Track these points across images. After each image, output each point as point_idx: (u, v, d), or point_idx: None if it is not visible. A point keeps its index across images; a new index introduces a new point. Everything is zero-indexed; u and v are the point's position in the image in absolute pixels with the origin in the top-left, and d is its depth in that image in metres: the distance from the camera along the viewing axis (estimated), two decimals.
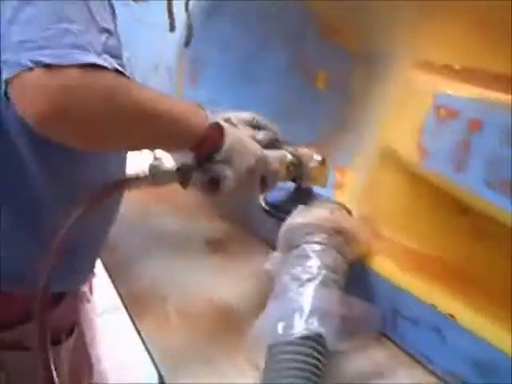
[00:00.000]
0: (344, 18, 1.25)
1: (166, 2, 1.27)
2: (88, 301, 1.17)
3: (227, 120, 1.02)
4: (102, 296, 1.25)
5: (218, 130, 0.91)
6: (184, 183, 0.94)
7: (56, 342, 1.00)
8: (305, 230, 0.97)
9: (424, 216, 0.97)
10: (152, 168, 0.92)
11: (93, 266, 1.09)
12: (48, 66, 0.71)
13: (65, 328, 1.05)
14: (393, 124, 1.05)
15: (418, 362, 0.92)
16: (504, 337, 0.79)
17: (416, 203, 0.98)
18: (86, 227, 0.89)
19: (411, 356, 0.93)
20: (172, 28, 1.19)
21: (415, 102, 0.98)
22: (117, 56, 0.80)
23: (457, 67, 0.94)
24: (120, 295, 1.11)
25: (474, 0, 0.88)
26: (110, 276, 1.18)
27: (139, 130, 0.83)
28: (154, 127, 0.84)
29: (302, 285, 0.90)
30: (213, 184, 0.93)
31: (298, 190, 1.11)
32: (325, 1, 1.24)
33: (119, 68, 0.79)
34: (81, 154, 0.88)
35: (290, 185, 1.10)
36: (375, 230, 1.02)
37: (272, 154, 1.01)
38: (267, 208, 1.10)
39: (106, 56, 0.77)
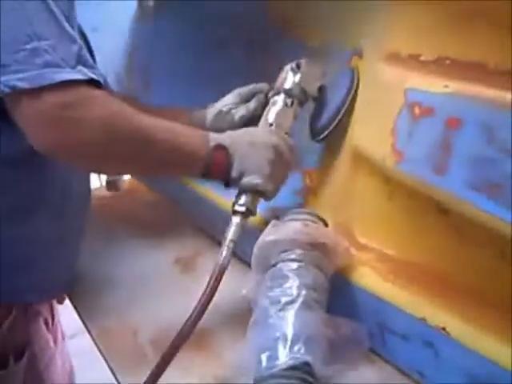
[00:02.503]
0: (303, 12, 1.18)
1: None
2: (46, 322, 1.10)
3: (219, 113, 1.09)
4: (71, 317, 1.17)
5: (221, 149, 0.91)
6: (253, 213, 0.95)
7: (1, 366, 0.95)
8: (279, 248, 0.90)
9: (403, 220, 0.90)
10: None
11: (48, 283, 1.04)
12: (26, 91, 0.74)
13: (12, 350, 0.99)
14: (363, 124, 0.98)
15: (411, 379, 0.87)
16: (499, 349, 0.74)
17: (394, 207, 0.91)
18: (34, 236, 0.91)
19: (403, 372, 0.88)
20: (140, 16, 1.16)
21: (385, 99, 0.91)
22: (91, 65, 0.81)
23: (428, 58, 0.87)
24: (89, 331, 1.04)
25: None
26: (76, 308, 1.11)
27: (139, 158, 0.85)
28: (154, 155, 0.86)
29: (282, 309, 0.84)
30: (257, 195, 0.94)
31: (316, 100, 1.08)
32: None
33: (95, 77, 0.80)
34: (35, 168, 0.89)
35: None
36: (353, 239, 0.96)
37: (276, 116, 1.02)
38: (320, 136, 1.04)
39: (80, 67, 0.78)
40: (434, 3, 0.86)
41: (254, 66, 1.29)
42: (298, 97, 1.05)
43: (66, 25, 0.80)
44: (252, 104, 1.11)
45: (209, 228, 1.25)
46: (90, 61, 0.82)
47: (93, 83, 0.81)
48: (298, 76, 1.06)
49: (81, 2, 1.06)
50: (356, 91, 1.01)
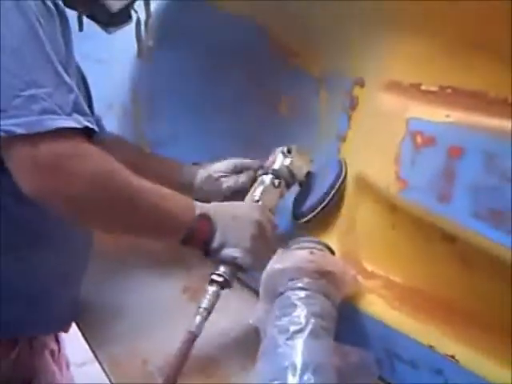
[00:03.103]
0: (304, 41, 1.20)
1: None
2: (52, 353, 1.10)
3: (210, 177, 1.13)
4: (81, 345, 1.18)
5: (205, 218, 0.92)
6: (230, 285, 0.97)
7: None
8: (287, 276, 0.91)
9: (409, 248, 0.91)
10: None
11: (53, 316, 1.04)
12: (22, 136, 0.76)
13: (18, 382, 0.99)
14: (365, 151, 1.00)
15: None
16: (508, 376, 0.75)
17: (399, 235, 0.92)
18: (38, 270, 0.88)
19: None
20: (139, 54, 1.16)
21: (387, 128, 0.93)
22: (86, 113, 0.83)
23: (429, 87, 0.89)
24: (98, 360, 1.05)
25: (442, 18, 0.84)
26: (85, 338, 1.11)
27: (125, 218, 0.87)
28: (140, 216, 0.87)
29: (290, 337, 0.84)
30: (235, 268, 0.95)
31: (302, 184, 1.13)
32: (284, 25, 1.20)
33: (89, 125, 0.82)
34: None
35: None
36: (360, 266, 0.97)
37: (262, 193, 1.05)
38: (304, 219, 1.07)
39: (75, 116, 0.80)
40: (434, 33, 0.88)
41: (257, 93, 1.32)
42: (285, 179, 1.10)
43: (64, 73, 0.82)
44: (241, 178, 1.14)
45: None
46: (86, 109, 0.84)
47: (87, 131, 0.83)
48: (288, 160, 1.11)
49: (88, 35, 1.09)
50: (344, 181, 1.04)
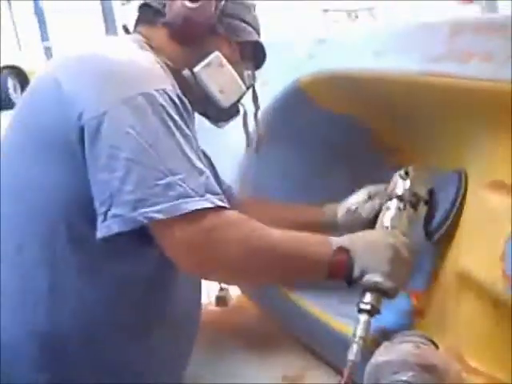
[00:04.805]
0: (405, 138, 1.26)
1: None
2: None
3: (348, 211, 1.18)
4: None
5: (343, 252, 0.97)
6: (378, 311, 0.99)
7: None
8: (391, 369, 0.92)
9: None
10: None
11: None
12: (163, 221, 0.84)
13: None
14: (469, 248, 1.02)
15: None
16: None
17: (504, 331, 0.93)
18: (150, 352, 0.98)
19: None
20: (248, 143, 1.23)
21: (491, 226, 0.95)
22: (217, 192, 0.91)
23: None
24: None
25: None
26: None
27: (272, 270, 0.95)
28: (285, 266, 0.95)
29: None
30: (380, 294, 0.97)
31: (427, 202, 1.15)
32: (386, 124, 1.25)
33: (221, 204, 0.89)
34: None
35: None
36: (463, 362, 0.97)
37: (390, 219, 1.08)
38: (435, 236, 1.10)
39: (208, 196, 0.88)
40: None
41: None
42: (409, 201, 1.12)
43: (195, 159, 0.90)
44: (376, 202, 1.19)
45: (315, 345, 1.27)
46: (217, 188, 0.92)
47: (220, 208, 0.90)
48: (408, 182, 1.14)
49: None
50: (465, 192, 1.06)
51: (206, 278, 0.93)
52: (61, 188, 0.92)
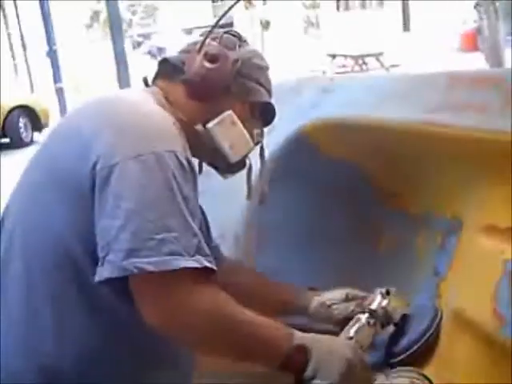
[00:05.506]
0: (405, 183, 1.31)
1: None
2: None
3: (323, 304, 1.21)
4: None
5: (302, 351, 1.00)
6: None
7: None
8: None
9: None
10: None
11: None
12: (150, 273, 0.88)
13: None
14: (462, 288, 1.06)
15: None
16: None
17: (500, 371, 0.96)
18: None
19: None
20: (249, 196, 1.27)
21: (483, 267, 1.00)
22: (206, 254, 0.94)
23: None
24: None
25: None
26: None
27: (232, 347, 0.98)
28: (246, 346, 0.99)
29: None
30: None
31: (397, 325, 1.17)
32: (386, 168, 1.31)
33: (209, 265, 0.93)
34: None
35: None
36: None
37: (356, 331, 1.11)
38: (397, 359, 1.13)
39: (198, 257, 0.92)
40: None
41: (359, 230, 1.41)
42: (380, 319, 1.16)
43: (191, 220, 0.95)
44: (351, 306, 1.22)
45: None
46: (207, 250, 0.96)
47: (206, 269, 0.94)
48: (386, 301, 1.18)
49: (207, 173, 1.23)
50: (438, 329, 1.11)
51: (167, 335, 0.96)
52: (69, 228, 0.97)
